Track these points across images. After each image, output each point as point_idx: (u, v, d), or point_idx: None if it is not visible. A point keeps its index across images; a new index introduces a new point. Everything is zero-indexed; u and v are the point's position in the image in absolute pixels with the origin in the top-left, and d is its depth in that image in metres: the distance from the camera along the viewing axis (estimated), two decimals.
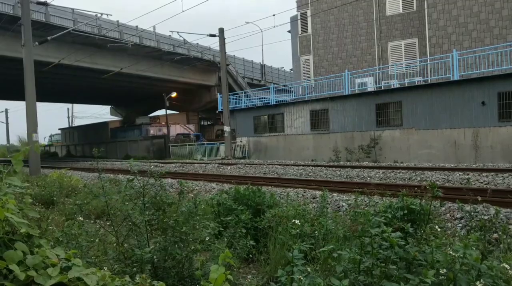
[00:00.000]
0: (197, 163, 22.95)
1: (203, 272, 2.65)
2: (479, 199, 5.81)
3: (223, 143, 27.07)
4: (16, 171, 2.14)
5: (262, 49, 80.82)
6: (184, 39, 32.24)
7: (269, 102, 25.98)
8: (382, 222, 2.58)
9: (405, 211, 5.08)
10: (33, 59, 17.31)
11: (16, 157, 2.16)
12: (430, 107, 17.57)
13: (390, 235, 2.41)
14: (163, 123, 42.10)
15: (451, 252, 2.27)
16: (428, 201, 5.10)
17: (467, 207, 5.32)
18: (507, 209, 6.19)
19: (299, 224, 3.57)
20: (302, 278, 2.27)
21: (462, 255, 2.25)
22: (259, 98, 29.70)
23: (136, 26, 30.68)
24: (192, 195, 9.01)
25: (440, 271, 2.18)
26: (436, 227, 2.80)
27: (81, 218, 3.66)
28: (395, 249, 2.40)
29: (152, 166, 19.26)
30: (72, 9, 26.70)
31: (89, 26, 26.62)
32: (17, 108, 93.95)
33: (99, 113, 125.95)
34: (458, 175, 11.19)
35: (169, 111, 41.06)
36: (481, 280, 2.14)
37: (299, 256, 2.53)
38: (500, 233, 4.43)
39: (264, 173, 15.96)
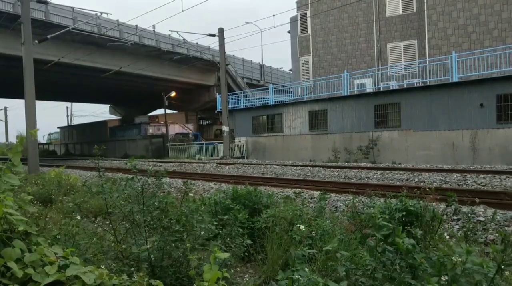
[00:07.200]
0: (196, 163, 22.94)
1: (200, 271, 2.66)
2: (476, 201, 5.85)
3: (222, 143, 27.07)
4: (14, 164, 2.12)
5: (261, 50, 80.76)
6: (184, 39, 32.22)
7: (268, 103, 25.97)
8: (390, 226, 2.46)
9: (404, 213, 5.11)
10: (33, 58, 17.28)
11: (14, 148, 2.13)
12: (428, 109, 17.59)
13: (403, 241, 2.33)
14: (162, 122, 42.05)
15: (454, 258, 2.17)
16: (427, 203, 5.13)
17: (464, 209, 5.34)
18: (504, 210, 6.22)
19: (303, 229, 3.34)
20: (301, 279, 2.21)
21: (464, 261, 2.15)
22: (258, 99, 29.68)
23: (136, 26, 30.65)
24: (192, 194, 8.99)
25: (442, 278, 2.10)
26: (445, 234, 2.71)
27: (78, 217, 3.66)
28: (402, 254, 2.33)
29: (151, 165, 19.24)
30: (72, 7, 26.72)
31: (89, 25, 26.61)
32: (16, 106, 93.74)
33: (98, 112, 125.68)
34: (455, 176, 11.23)
35: (168, 111, 41.02)
36: None
37: (302, 260, 2.46)
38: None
39: (262, 173, 15.96)
